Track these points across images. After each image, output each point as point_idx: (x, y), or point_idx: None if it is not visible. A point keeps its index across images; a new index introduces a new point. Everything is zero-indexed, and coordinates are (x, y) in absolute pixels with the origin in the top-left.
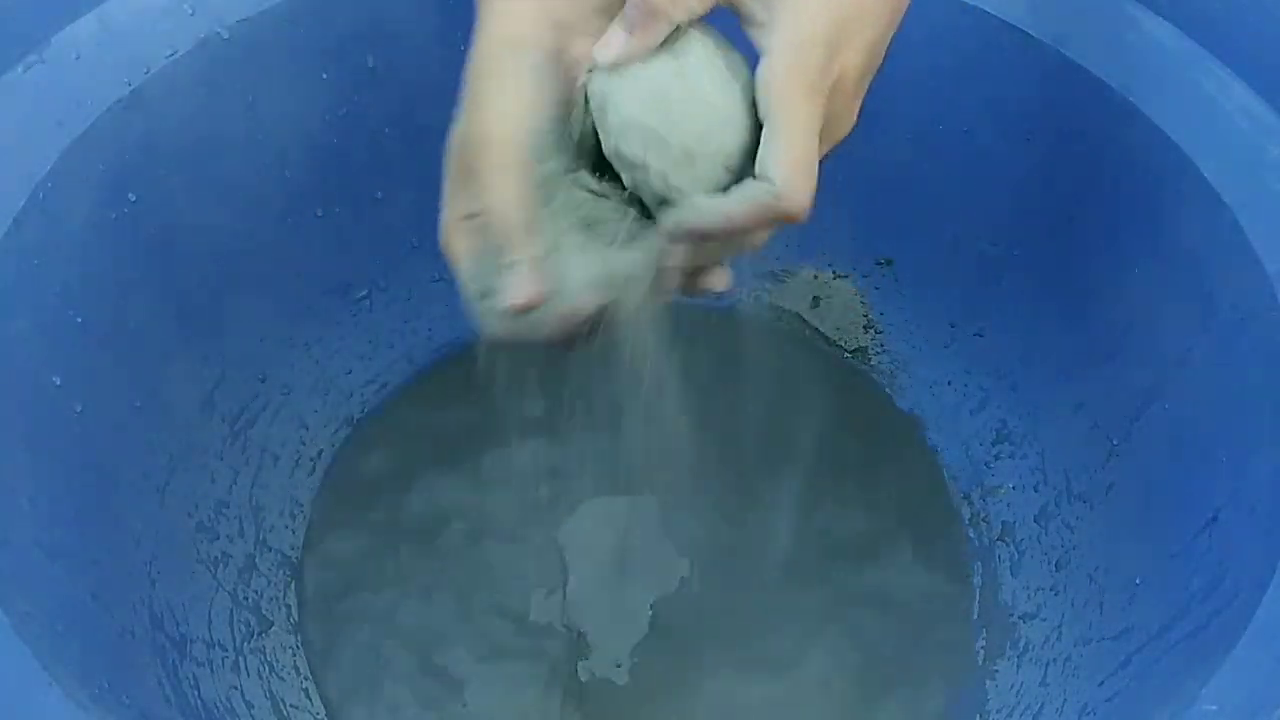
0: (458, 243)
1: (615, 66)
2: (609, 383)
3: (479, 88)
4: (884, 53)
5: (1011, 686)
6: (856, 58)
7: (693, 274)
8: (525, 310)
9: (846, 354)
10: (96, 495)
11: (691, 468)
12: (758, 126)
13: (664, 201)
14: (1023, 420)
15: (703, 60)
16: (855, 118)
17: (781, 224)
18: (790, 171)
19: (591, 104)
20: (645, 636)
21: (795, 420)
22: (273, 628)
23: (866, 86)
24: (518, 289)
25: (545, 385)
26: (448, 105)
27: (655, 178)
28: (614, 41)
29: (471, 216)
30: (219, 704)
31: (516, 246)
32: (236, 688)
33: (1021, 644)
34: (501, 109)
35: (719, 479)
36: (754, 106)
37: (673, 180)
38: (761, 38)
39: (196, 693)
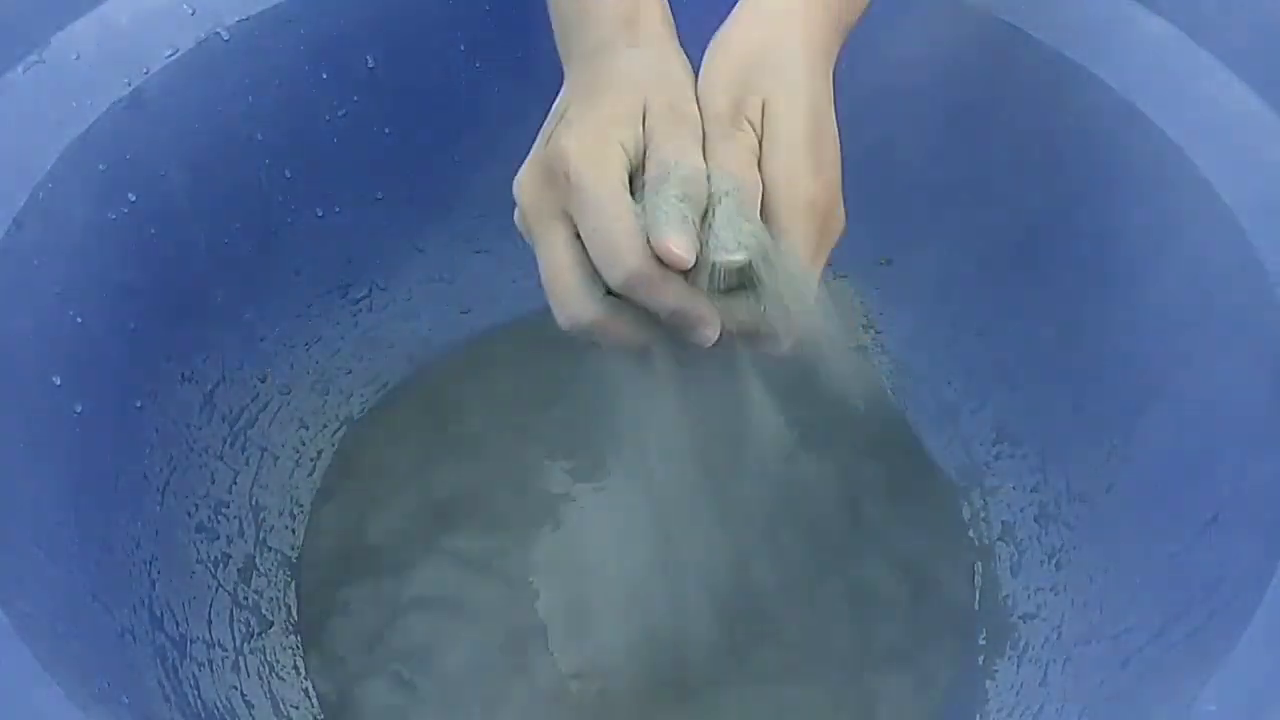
0: (616, 160)
1: None
2: (613, 382)
3: (587, 115)
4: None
5: (1011, 686)
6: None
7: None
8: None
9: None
10: (96, 495)
11: (690, 467)
12: None
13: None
14: (1023, 420)
15: None
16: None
17: None
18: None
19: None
20: (645, 636)
21: (793, 420)
22: (273, 628)
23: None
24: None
25: (550, 386)
26: (448, 105)
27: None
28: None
29: (623, 146)
30: (219, 704)
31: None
32: (236, 688)
33: (1021, 644)
34: (610, 134)
35: (716, 479)
36: None
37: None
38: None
39: (196, 693)
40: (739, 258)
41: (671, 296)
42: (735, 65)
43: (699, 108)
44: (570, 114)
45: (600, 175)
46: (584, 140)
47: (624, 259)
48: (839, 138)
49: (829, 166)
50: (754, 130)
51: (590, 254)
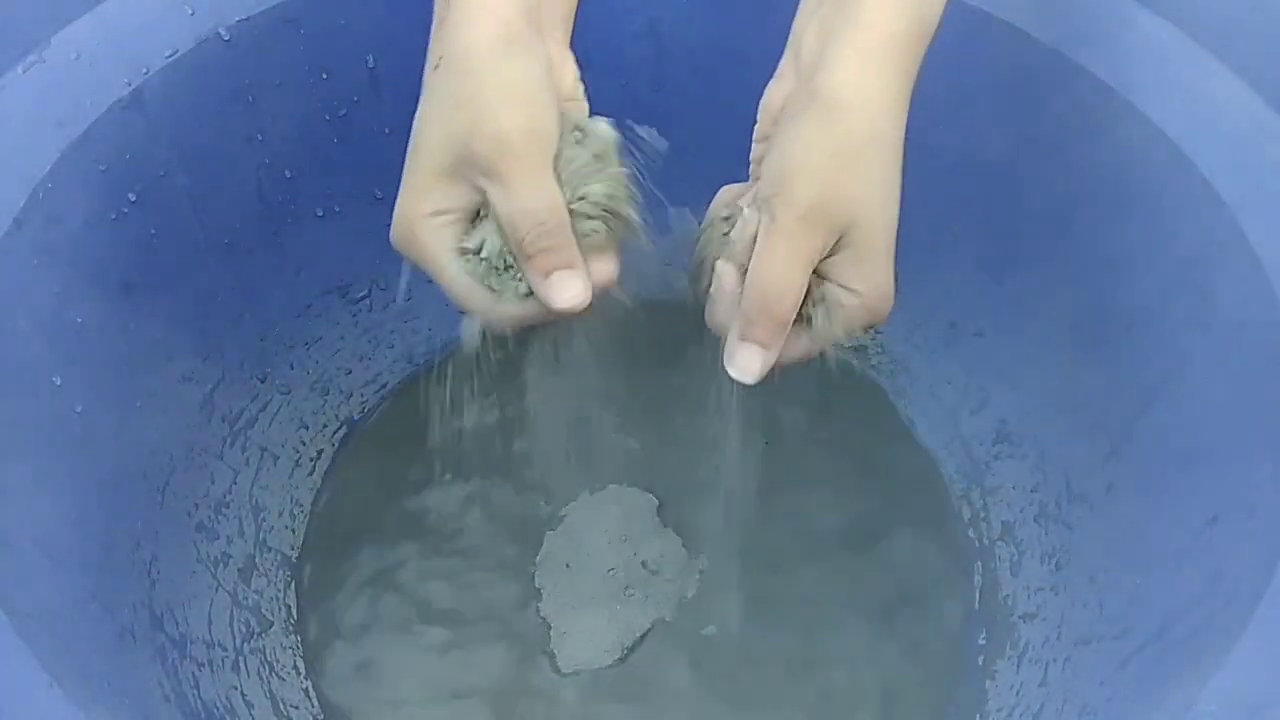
0: (429, 237)
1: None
2: (612, 382)
3: (484, 84)
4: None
5: (1011, 686)
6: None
7: None
8: (573, 309)
9: (846, 353)
10: (96, 495)
11: (689, 467)
12: None
13: None
14: (1023, 420)
15: None
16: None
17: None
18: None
19: None
20: (645, 636)
21: (794, 420)
22: (273, 628)
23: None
24: (572, 291)
25: (542, 384)
26: None
27: None
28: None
29: (440, 214)
30: (219, 704)
31: (562, 247)
32: (236, 688)
33: (1021, 644)
34: (522, 109)
35: (717, 478)
36: None
37: None
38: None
39: (196, 693)
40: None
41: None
42: (835, 156)
43: (778, 188)
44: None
45: (428, 263)
46: (398, 222)
47: (487, 320)
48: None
49: (893, 274)
50: (831, 241)
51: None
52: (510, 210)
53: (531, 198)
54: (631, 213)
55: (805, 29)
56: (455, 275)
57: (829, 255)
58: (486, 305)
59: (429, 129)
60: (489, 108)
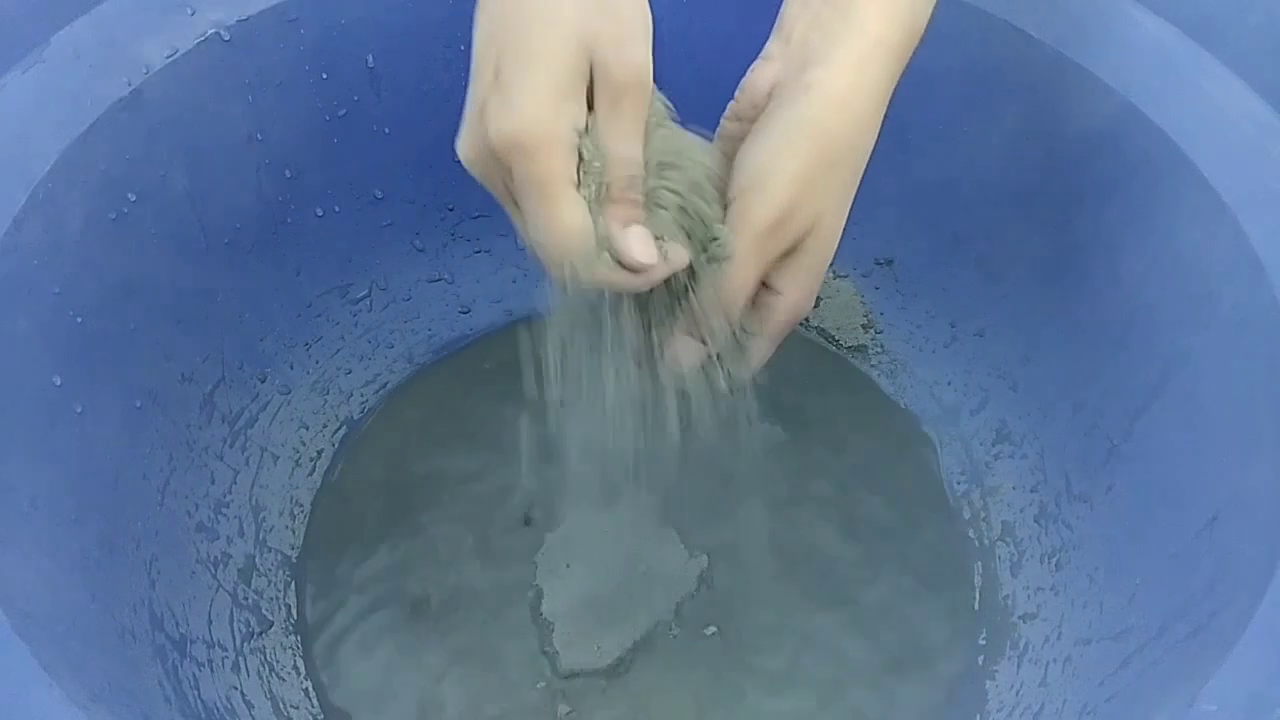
0: (564, 160)
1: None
2: (611, 380)
3: (532, 83)
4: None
5: (1011, 686)
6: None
7: None
8: (646, 267)
9: (846, 353)
10: (96, 495)
11: (689, 467)
12: None
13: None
14: (1023, 420)
15: None
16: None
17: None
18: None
19: None
20: (645, 636)
21: (794, 420)
22: (273, 628)
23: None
24: (650, 248)
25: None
26: (448, 105)
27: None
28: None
29: (572, 133)
30: (219, 704)
31: (639, 204)
32: (236, 688)
33: (1021, 644)
34: (647, 40)
35: (717, 478)
36: None
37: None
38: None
39: (196, 693)
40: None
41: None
42: (819, 163)
43: (751, 191)
44: (504, 75)
45: (549, 184)
46: (525, 127)
47: (579, 272)
48: None
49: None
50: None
51: (539, 253)
52: (619, 147)
53: (638, 141)
54: (706, 209)
55: (798, 17)
56: (577, 210)
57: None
58: (591, 254)
59: (552, 22)
60: (630, 23)
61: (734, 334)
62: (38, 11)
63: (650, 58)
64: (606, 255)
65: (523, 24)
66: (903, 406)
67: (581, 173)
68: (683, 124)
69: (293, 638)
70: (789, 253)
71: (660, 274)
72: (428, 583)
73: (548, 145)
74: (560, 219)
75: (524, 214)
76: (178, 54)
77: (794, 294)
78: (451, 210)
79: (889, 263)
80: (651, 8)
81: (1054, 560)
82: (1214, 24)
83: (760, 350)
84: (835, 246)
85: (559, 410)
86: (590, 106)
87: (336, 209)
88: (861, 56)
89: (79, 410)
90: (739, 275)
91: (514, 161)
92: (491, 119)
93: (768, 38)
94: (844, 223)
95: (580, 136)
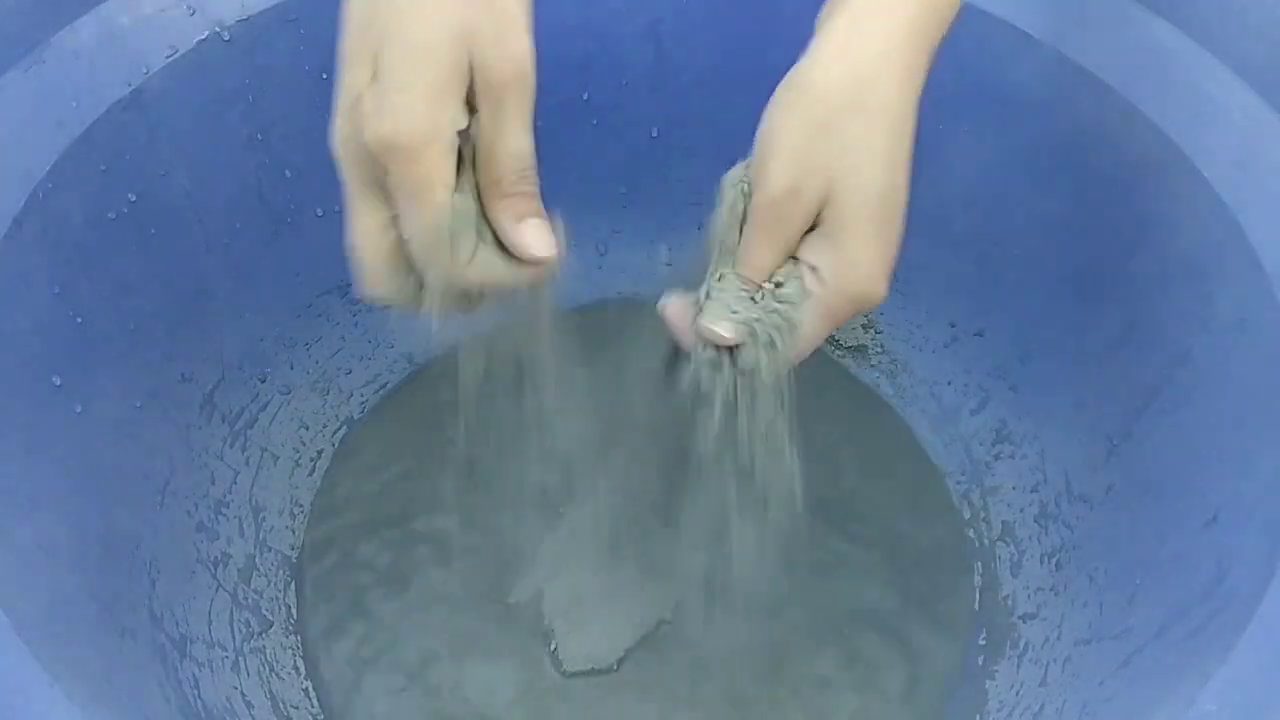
0: (445, 159)
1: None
2: (607, 381)
3: (410, 82)
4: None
5: (1011, 686)
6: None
7: None
8: (547, 259)
9: (846, 353)
10: (96, 495)
11: (689, 466)
12: None
13: None
14: (1023, 420)
15: None
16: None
17: None
18: None
19: None
20: (644, 638)
21: (794, 419)
22: (272, 628)
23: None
24: (547, 239)
25: (539, 388)
26: None
27: None
28: None
29: (453, 131)
30: (219, 704)
31: (535, 195)
32: (236, 688)
33: (1021, 644)
34: (528, 35)
35: (717, 478)
36: None
37: None
38: None
39: (196, 693)
40: (727, 335)
41: (468, 301)
42: (807, 126)
43: (756, 169)
44: (382, 71)
45: (427, 187)
46: (404, 128)
47: (450, 279)
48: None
49: (886, 254)
50: (809, 221)
51: (410, 249)
52: (507, 143)
53: (526, 133)
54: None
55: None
56: (447, 214)
57: (807, 231)
58: (464, 257)
59: (429, 15)
60: (514, 21)
61: (776, 311)
62: (38, 11)
63: (531, 47)
64: (492, 253)
65: (399, 15)
66: (903, 406)
67: (462, 173)
68: None
69: (293, 638)
70: (816, 224)
71: (552, 262)
72: (428, 583)
73: (426, 148)
74: (433, 221)
75: (400, 213)
76: (178, 54)
77: (825, 267)
78: None
79: None
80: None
81: (1054, 560)
82: (1214, 24)
83: (805, 329)
84: (872, 208)
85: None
86: (470, 103)
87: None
88: (856, 16)
89: (79, 410)
90: (749, 258)
91: (391, 163)
92: (369, 118)
93: None
94: (885, 183)
95: (461, 136)
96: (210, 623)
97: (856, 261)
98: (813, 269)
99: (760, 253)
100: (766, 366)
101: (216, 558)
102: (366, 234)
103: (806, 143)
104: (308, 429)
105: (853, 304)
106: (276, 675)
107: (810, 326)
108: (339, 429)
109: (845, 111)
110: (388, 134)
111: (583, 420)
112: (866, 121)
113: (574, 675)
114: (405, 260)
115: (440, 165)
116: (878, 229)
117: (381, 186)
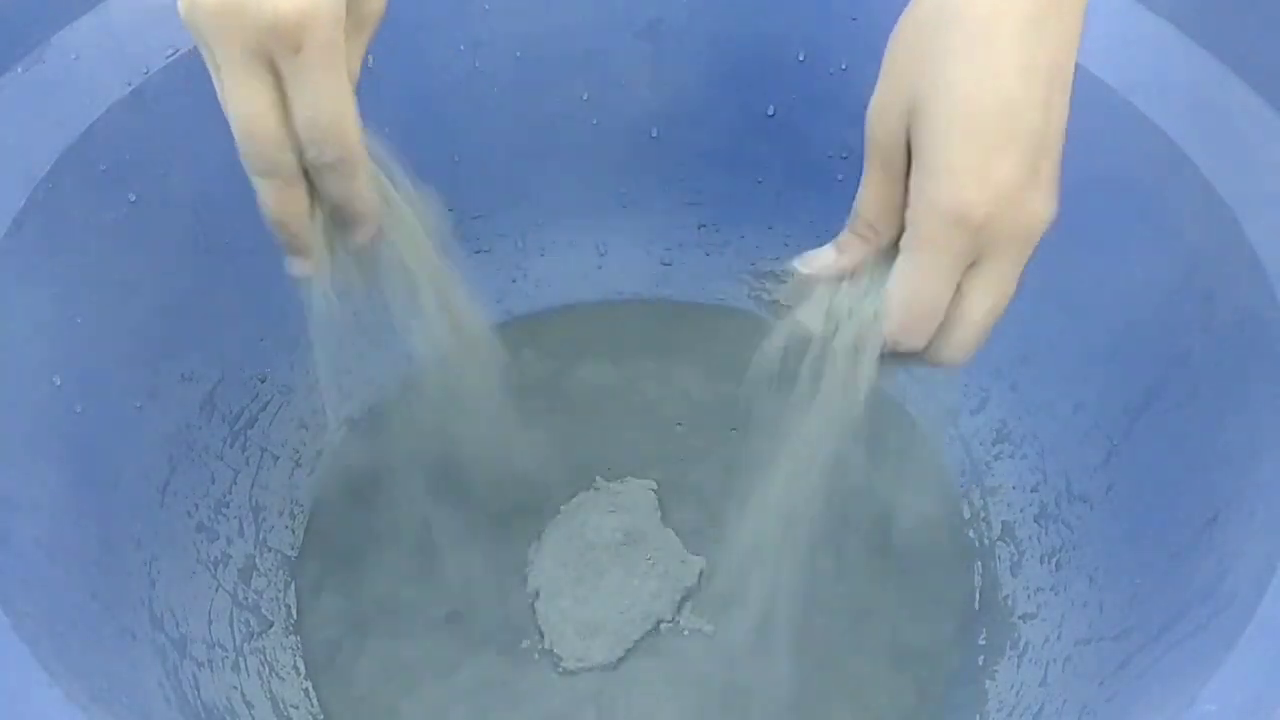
0: (338, 46)
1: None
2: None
3: None
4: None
5: (1011, 686)
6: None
7: None
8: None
9: None
10: (96, 495)
11: (690, 465)
12: None
13: None
14: (1023, 420)
15: None
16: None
17: None
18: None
19: None
20: (645, 635)
21: (793, 419)
22: (273, 628)
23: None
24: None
25: (543, 385)
26: (448, 104)
27: None
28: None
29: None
30: (219, 704)
31: (356, 152)
32: (236, 688)
33: (1021, 644)
34: None
35: (717, 477)
36: None
37: None
38: None
39: (196, 693)
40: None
41: (359, 187)
42: (902, 47)
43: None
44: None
45: (337, 61)
46: (305, 4)
47: (344, 144)
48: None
49: (986, 161)
50: (899, 140)
51: (299, 123)
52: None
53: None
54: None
55: None
56: (350, 91)
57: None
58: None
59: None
60: None
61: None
62: (38, 11)
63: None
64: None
65: None
66: (903, 406)
67: None
68: None
69: (293, 638)
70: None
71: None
72: (427, 582)
73: (335, 24)
74: (343, 115)
75: (295, 91)
76: (178, 54)
77: (920, 175)
78: (451, 210)
79: None
80: None
81: (1054, 560)
82: (1214, 24)
83: (896, 280)
84: (958, 122)
85: None
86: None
87: None
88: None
89: (79, 410)
90: (861, 188)
91: (301, 37)
92: None
93: None
94: (981, 96)
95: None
96: (210, 623)
97: (937, 169)
98: (913, 182)
99: (866, 190)
100: (847, 347)
101: (216, 558)
102: (257, 112)
103: (895, 63)
104: (308, 429)
105: (947, 220)
106: (276, 675)
107: (902, 273)
108: (339, 429)
109: (939, 27)
110: (290, 10)
111: (583, 420)
112: (963, 33)
113: (571, 675)
114: (294, 150)
115: (341, 40)
116: (967, 135)
117: (269, 64)
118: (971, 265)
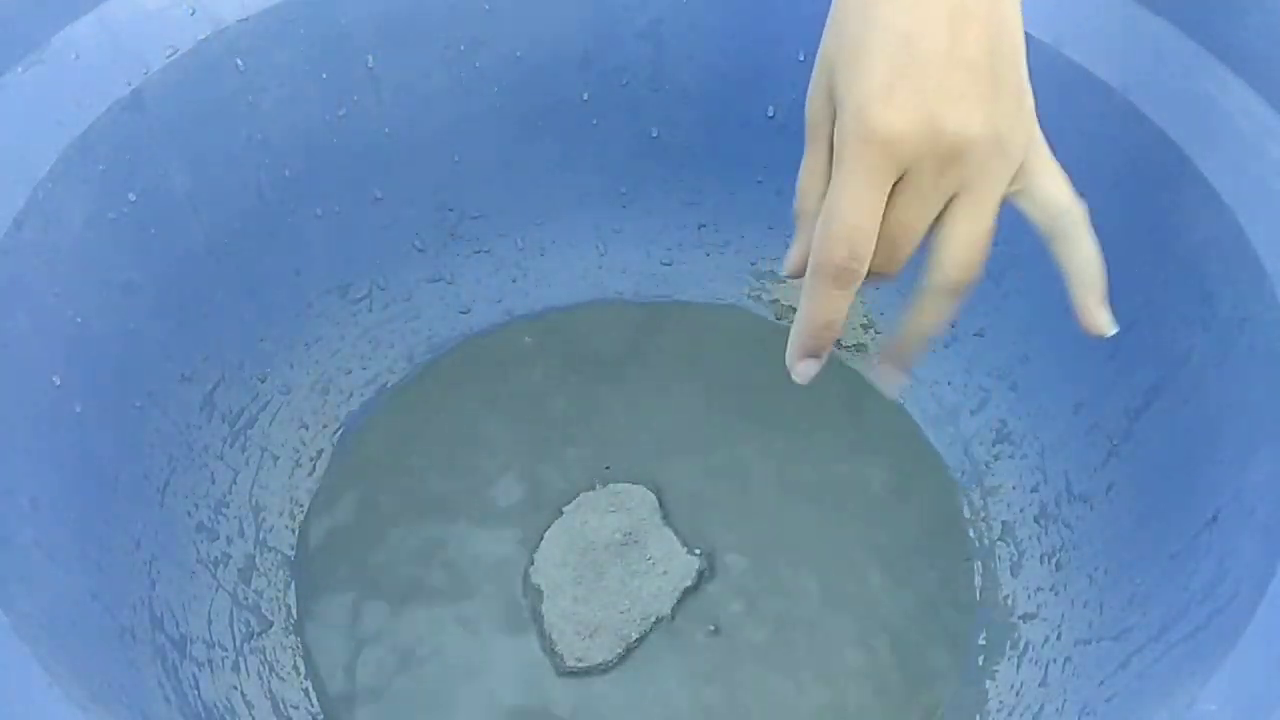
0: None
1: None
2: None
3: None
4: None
5: (1011, 686)
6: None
7: None
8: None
9: (846, 353)
10: (96, 495)
11: (690, 464)
12: None
13: None
14: (1023, 420)
15: None
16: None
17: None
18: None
19: None
20: (645, 635)
21: (793, 419)
22: (273, 628)
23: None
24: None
25: (543, 386)
26: (448, 105)
27: None
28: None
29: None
30: (219, 704)
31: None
32: (236, 688)
33: (1021, 644)
34: None
35: (717, 477)
36: None
37: None
38: None
39: (196, 693)
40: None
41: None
42: (825, 46)
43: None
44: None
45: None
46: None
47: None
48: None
49: (891, 82)
50: (825, 102)
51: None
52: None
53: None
54: None
55: None
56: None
57: None
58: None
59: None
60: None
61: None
62: (38, 11)
63: None
64: None
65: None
66: (903, 406)
67: None
68: None
69: (293, 638)
70: None
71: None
72: (427, 582)
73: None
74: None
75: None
76: (178, 54)
77: (841, 90)
78: (451, 210)
79: None
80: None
81: (1054, 560)
82: (1214, 24)
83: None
84: (857, 52)
85: None
86: None
87: (336, 209)
88: None
89: (79, 410)
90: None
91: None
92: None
93: None
94: (875, 31)
95: None
96: (210, 623)
97: (845, 104)
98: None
99: (803, 173)
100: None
101: (216, 558)
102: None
103: (821, 52)
104: (308, 429)
105: (857, 138)
106: (276, 675)
107: (829, 196)
108: (339, 429)
109: (842, 6)
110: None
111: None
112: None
113: (570, 675)
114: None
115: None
116: (869, 71)
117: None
118: (953, 198)
